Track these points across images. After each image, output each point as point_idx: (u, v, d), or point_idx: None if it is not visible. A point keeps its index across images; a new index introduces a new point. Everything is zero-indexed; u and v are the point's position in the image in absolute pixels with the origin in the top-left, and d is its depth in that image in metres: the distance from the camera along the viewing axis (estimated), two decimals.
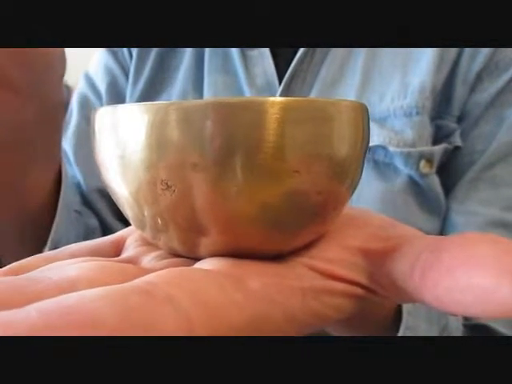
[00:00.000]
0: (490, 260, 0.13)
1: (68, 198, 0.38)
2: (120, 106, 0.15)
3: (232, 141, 0.14)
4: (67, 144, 0.48)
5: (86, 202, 0.46)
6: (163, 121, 0.14)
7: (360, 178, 0.18)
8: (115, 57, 0.51)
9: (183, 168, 0.14)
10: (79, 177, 0.47)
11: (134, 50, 0.50)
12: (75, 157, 0.47)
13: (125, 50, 0.51)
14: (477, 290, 0.12)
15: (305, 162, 0.15)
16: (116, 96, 0.51)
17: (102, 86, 0.51)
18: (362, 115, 0.16)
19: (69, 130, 0.49)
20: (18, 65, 0.26)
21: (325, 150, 0.15)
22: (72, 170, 0.47)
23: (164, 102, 0.14)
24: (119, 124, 0.15)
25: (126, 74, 0.51)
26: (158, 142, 0.14)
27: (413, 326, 0.31)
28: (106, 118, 0.15)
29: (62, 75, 0.30)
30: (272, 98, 0.14)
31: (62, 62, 0.28)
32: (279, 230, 0.16)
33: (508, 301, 0.12)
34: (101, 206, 0.46)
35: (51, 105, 0.30)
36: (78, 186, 0.46)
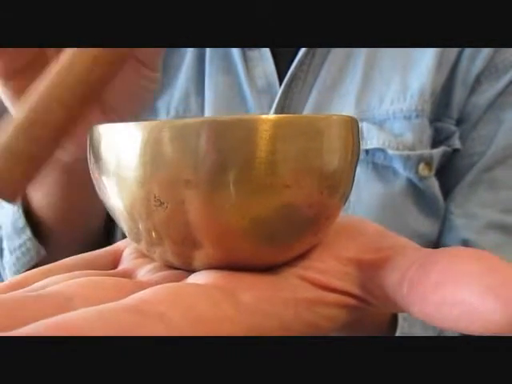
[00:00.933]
0: (475, 277, 0.13)
1: None
2: (115, 124, 0.15)
3: (224, 158, 0.14)
4: None
5: None
6: (157, 138, 0.14)
7: (351, 188, 0.18)
8: None
9: (176, 185, 0.14)
10: None
11: None
12: None
13: None
14: (462, 306, 0.13)
15: (296, 177, 0.15)
16: None
17: None
18: (352, 129, 0.17)
19: None
20: (130, 98, 0.25)
21: (315, 164, 0.15)
22: None
23: (158, 121, 0.15)
24: (114, 141, 0.15)
25: None
26: (151, 159, 0.15)
27: (408, 331, 0.32)
28: (102, 135, 0.16)
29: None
30: (263, 116, 0.14)
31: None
32: (271, 244, 0.16)
33: (492, 317, 0.12)
34: None
35: None
36: None
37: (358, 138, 0.17)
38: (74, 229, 0.39)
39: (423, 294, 0.14)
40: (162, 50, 0.26)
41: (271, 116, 0.15)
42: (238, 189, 0.15)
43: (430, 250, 0.16)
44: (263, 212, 0.15)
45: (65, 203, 0.36)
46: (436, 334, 0.36)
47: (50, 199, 0.37)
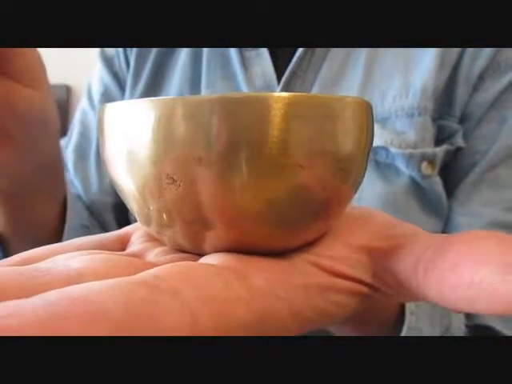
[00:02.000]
0: (496, 257, 0.13)
1: (75, 218, 0.40)
2: (127, 102, 0.15)
3: (237, 135, 0.14)
4: (68, 160, 0.50)
5: (90, 212, 0.47)
6: (170, 116, 0.14)
7: (363, 176, 0.18)
8: (109, 66, 0.52)
9: (189, 162, 0.14)
10: (80, 191, 0.48)
11: (132, 57, 0.50)
12: (75, 172, 0.49)
13: (121, 57, 0.51)
14: (481, 285, 0.12)
15: (309, 157, 0.15)
16: None
17: (96, 97, 0.52)
18: (366, 112, 0.16)
19: (69, 148, 0.50)
20: (16, 120, 0.27)
21: (329, 145, 0.15)
22: (74, 187, 0.48)
23: (171, 98, 0.14)
24: (126, 119, 0.15)
25: (119, 83, 0.51)
26: (164, 136, 0.14)
27: (415, 326, 0.31)
28: (114, 113, 0.15)
29: (58, 131, 0.32)
30: (277, 93, 0.14)
31: (56, 119, 0.30)
32: (283, 226, 0.16)
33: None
34: (107, 218, 0.47)
35: (49, 160, 0.33)
36: (79, 198, 0.48)
37: (372, 123, 0.17)
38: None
39: (440, 275, 0.14)
40: (34, 62, 0.28)
41: (285, 94, 0.14)
42: (251, 167, 0.14)
43: (445, 234, 0.16)
44: (276, 192, 0.15)
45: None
46: (443, 329, 0.35)
47: None
